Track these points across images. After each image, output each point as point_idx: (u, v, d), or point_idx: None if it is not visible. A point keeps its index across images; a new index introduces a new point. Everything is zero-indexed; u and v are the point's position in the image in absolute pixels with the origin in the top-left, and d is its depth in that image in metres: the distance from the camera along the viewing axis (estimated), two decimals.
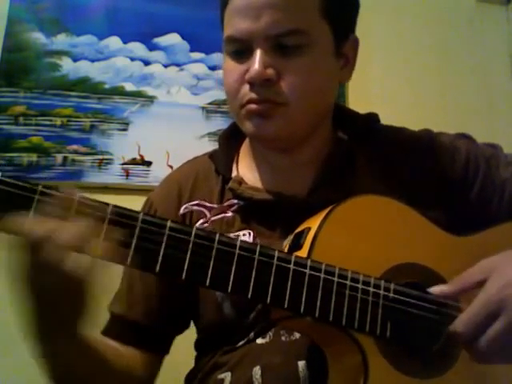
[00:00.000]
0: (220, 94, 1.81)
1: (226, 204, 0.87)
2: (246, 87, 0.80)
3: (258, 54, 0.78)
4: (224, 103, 1.80)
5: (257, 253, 0.66)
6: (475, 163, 0.91)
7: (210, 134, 1.78)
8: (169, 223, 0.62)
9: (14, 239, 0.56)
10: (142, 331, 0.87)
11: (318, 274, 0.68)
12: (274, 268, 0.66)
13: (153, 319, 0.88)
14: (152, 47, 1.80)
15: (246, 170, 0.91)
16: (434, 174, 0.90)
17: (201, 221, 0.87)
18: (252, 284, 0.64)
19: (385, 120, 0.96)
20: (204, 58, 1.83)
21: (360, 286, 0.70)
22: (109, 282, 0.91)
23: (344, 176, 0.87)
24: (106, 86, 1.75)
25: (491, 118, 1.99)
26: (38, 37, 1.72)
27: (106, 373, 0.78)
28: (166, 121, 1.77)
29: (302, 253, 0.70)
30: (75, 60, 1.74)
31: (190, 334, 0.92)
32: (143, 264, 0.61)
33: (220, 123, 1.78)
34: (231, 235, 0.80)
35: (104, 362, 0.77)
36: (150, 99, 1.78)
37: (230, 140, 0.95)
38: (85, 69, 1.74)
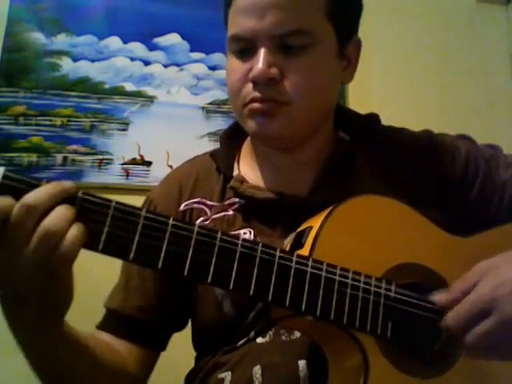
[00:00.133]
0: (220, 94, 1.82)
1: (226, 202, 0.87)
2: (250, 86, 0.80)
3: (262, 53, 0.78)
4: (224, 103, 1.80)
5: (259, 250, 0.66)
6: (475, 164, 0.91)
7: (209, 134, 1.78)
8: (171, 220, 0.62)
9: None
10: (138, 326, 0.87)
11: (319, 272, 0.68)
12: (275, 266, 0.66)
13: (148, 315, 0.87)
14: (152, 47, 1.80)
15: (247, 169, 0.91)
16: (434, 174, 0.90)
17: (201, 219, 0.87)
18: (254, 281, 0.65)
19: (385, 120, 0.96)
20: (204, 58, 1.83)
21: (361, 284, 0.70)
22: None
23: (345, 176, 0.87)
24: (106, 86, 1.75)
25: (491, 118, 1.99)
26: (38, 37, 1.72)
27: (95, 366, 0.77)
28: (166, 121, 1.77)
29: (304, 252, 0.70)
30: (75, 60, 1.74)
31: (191, 334, 0.92)
32: (145, 260, 0.62)
33: (220, 123, 1.78)
34: (232, 233, 0.80)
35: (93, 355, 0.76)
36: (150, 99, 1.78)
37: (232, 139, 0.95)
38: (85, 69, 1.75)
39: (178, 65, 1.82)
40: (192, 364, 0.91)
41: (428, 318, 0.74)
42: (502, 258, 0.72)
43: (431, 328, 0.73)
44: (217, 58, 1.82)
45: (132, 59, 1.78)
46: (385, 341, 0.71)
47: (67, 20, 1.75)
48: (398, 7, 2.04)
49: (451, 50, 2.06)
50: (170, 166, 1.64)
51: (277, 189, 0.86)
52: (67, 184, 0.59)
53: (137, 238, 0.60)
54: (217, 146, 0.98)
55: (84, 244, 0.58)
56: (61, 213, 0.57)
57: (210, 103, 1.82)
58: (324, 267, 0.68)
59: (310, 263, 0.68)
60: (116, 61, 1.77)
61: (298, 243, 0.72)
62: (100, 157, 1.69)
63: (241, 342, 0.81)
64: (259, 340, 0.80)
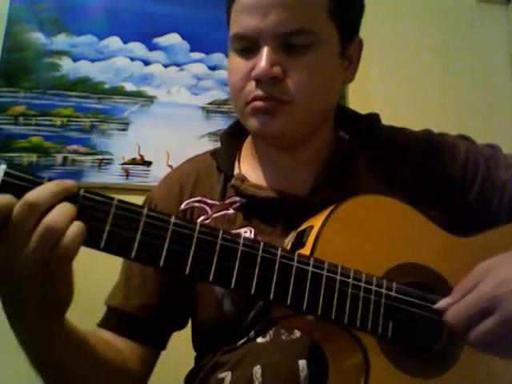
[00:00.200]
0: (220, 94, 1.82)
1: (227, 201, 0.87)
2: (252, 84, 0.80)
3: (264, 51, 0.78)
4: (224, 103, 1.80)
5: (260, 249, 0.66)
6: (474, 163, 0.91)
7: (209, 134, 1.78)
8: (173, 219, 0.62)
9: None
10: (138, 324, 0.87)
11: (321, 271, 0.68)
12: (277, 265, 0.66)
13: (149, 313, 0.87)
14: (152, 47, 1.80)
15: (247, 168, 0.91)
16: (434, 174, 0.90)
17: (202, 217, 0.87)
18: (255, 280, 0.65)
19: (385, 120, 0.96)
20: (204, 58, 1.83)
21: (362, 284, 0.70)
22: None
23: (345, 176, 0.87)
24: (106, 86, 1.75)
25: (491, 118, 1.99)
26: (38, 37, 1.72)
27: (96, 364, 0.77)
28: (166, 121, 1.77)
29: (305, 251, 0.70)
30: (75, 60, 1.74)
31: (191, 334, 0.92)
32: (147, 258, 0.62)
33: (220, 123, 1.78)
34: (233, 232, 0.80)
35: (94, 353, 0.76)
36: (150, 99, 1.78)
37: (232, 138, 0.95)
38: (85, 69, 1.74)
39: (178, 65, 1.82)
40: (192, 364, 0.91)
41: (429, 317, 0.74)
42: (501, 258, 0.72)
43: (432, 328, 0.74)
44: (217, 57, 1.82)
45: (132, 59, 1.78)
46: (385, 340, 0.71)
47: (67, 20, 1.75)
48: (398, 7, 2.04)
49: (451, 50, 2.06)
50: (170, 166, 1.64)
51: (277, 188, 0.87)
52: (69, 182, 0.59)
53: (139, 236, 0.60)
54: (217, 145, 0.98)
55: (86, 242, 0.58)
56: (62, 210, 0.57)
57: (210, 103, 1.82)
58: (325, 266, 0.68)
59: (311, 262, 0.68)
60: (116, 61, 1.77)
61: (299, 242, 0.72)
62: (100, 157, 1.69)
63: (241, 342, 0.81)
64: (259, 340, 0.80)
